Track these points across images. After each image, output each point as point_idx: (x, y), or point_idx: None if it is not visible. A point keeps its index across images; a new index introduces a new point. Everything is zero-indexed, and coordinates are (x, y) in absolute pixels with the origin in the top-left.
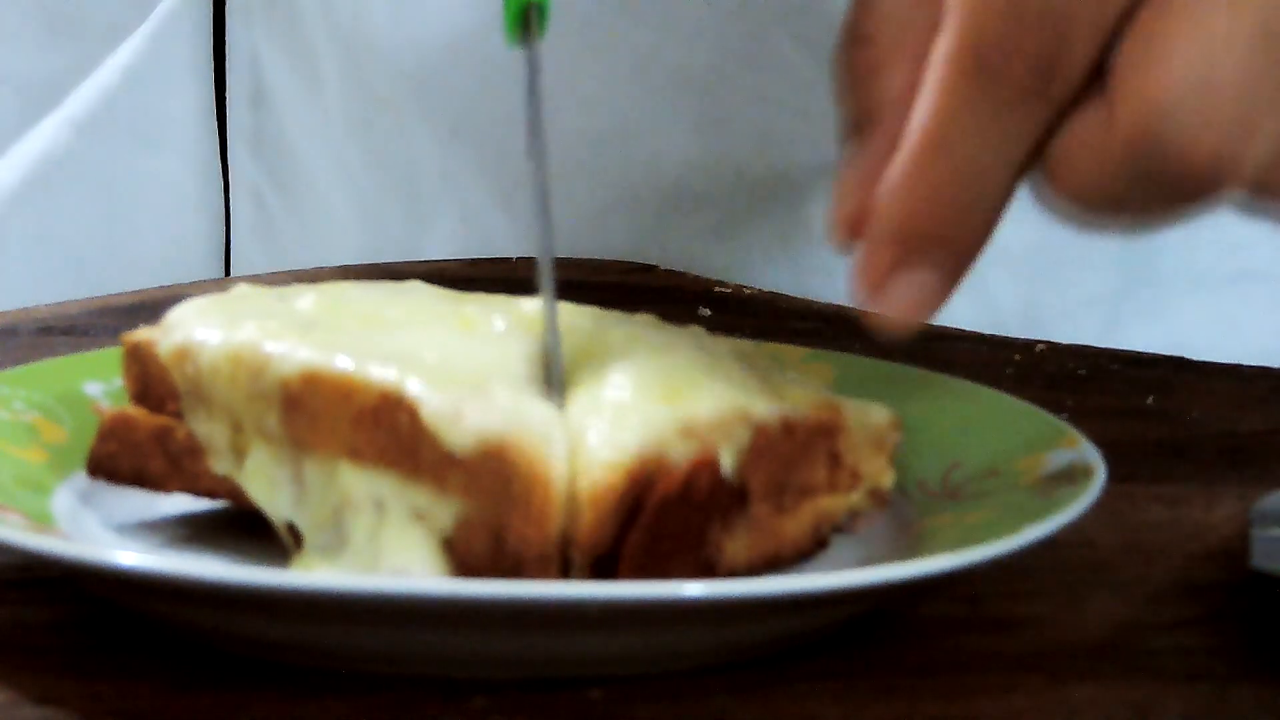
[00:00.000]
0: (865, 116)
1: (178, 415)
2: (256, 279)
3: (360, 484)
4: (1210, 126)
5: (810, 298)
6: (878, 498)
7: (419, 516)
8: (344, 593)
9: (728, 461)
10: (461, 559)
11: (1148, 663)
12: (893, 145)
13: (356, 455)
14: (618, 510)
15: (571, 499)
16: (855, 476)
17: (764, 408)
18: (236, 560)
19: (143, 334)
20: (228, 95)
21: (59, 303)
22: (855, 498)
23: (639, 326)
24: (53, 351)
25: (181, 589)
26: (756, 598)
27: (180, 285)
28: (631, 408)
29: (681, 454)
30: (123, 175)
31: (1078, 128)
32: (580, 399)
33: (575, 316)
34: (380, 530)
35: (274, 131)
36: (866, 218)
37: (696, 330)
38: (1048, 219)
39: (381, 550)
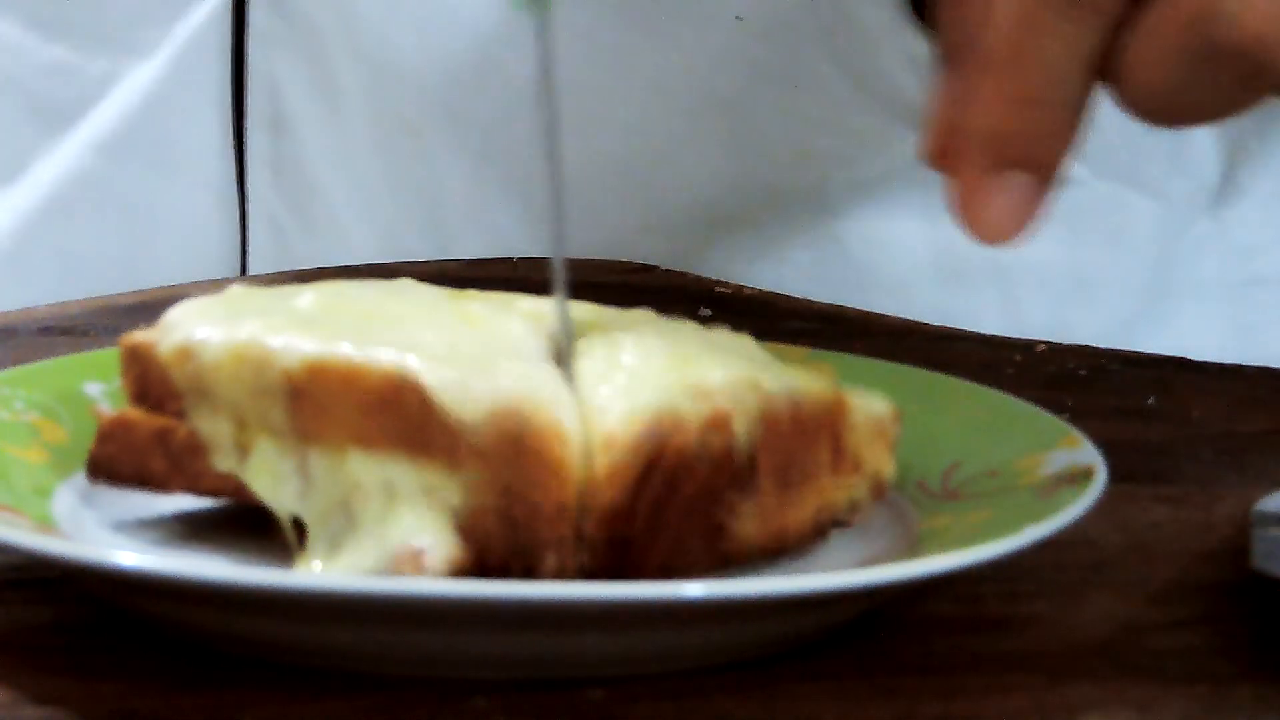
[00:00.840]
0: (952, 49)
1: (178, 415)
2: (252, 279)
3: (369, 469)
4: (1258, 12)
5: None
6: (877, 488)
7: (429, 494)
8: (344, 593)
9: (740, 424)
10: (473, 535)
11: (1148, 663)
12: (976, 72)
13: (364, 441)
14: (632, 465)
15: (584, 457)
16: (857, 464)
17: (773, 381)
18: (237, 560)
19: (141, 335)
20: (247, 120)
21: (59, 303)
22: (856, 486)
23: (638, 317)
24: (53, 351)
25: (181, 589)
26: (756, 598)
27: (180, 285)
28: (642, 371)
29: (694, 413)
30: (141, 200)
31: (1142, 23)
32: (589, 368)
33: (574, 310)
34: (390, 512)
35: (293, 157)
36: (955, 143)
37: (693, 324)
38: (1075, 237)
39: (391, 531)
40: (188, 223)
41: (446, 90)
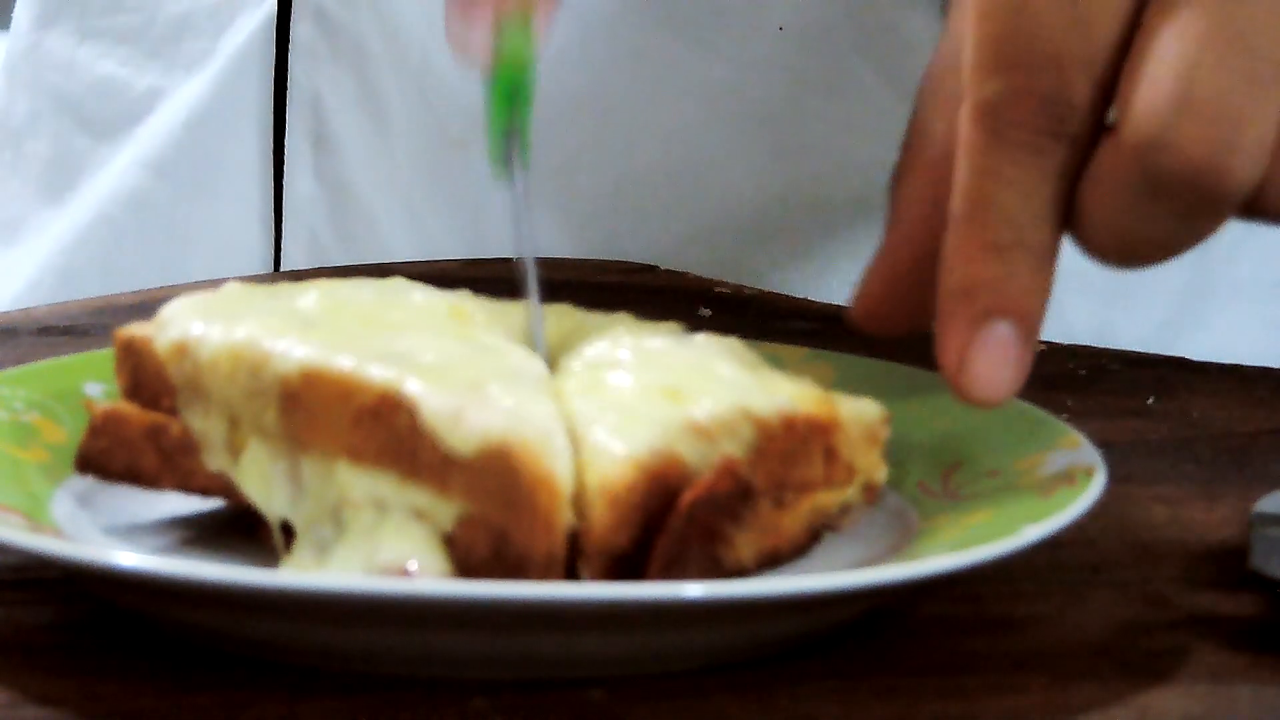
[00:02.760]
0: (890, 218)
1: (172, 411)
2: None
3: (359, 482)
4: (1199, 140)
5: None
6: (870, 492)
7: (419, 515)
8: (344, 593)
9: (741, 462)
10: (462, 557)
11: (1148, 663)
12: (911, 238)
13: (355, 454)
14: (634, 508)
15: (579, 496)
16: (850, 471)
17: (764, 404)
18: (235, 560)
19: (136, 329)
20: (287, 139)
21: (59, 303)
22: (850, 492)
23: (621, 325)
24: (53, 351)
25: (181, 589)
26: (756, 598)
27: (180, 285)
28: (635, 407)
29: (693, 452)
30: (183, 215)
31: (1092, 165)
32: (579, 400)
33: (557, 315)
34: (379, 527)
35: (335, 171)
36: (882, 306)
37: (673, 326)
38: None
39: (379, 545)
40: (227, 238)
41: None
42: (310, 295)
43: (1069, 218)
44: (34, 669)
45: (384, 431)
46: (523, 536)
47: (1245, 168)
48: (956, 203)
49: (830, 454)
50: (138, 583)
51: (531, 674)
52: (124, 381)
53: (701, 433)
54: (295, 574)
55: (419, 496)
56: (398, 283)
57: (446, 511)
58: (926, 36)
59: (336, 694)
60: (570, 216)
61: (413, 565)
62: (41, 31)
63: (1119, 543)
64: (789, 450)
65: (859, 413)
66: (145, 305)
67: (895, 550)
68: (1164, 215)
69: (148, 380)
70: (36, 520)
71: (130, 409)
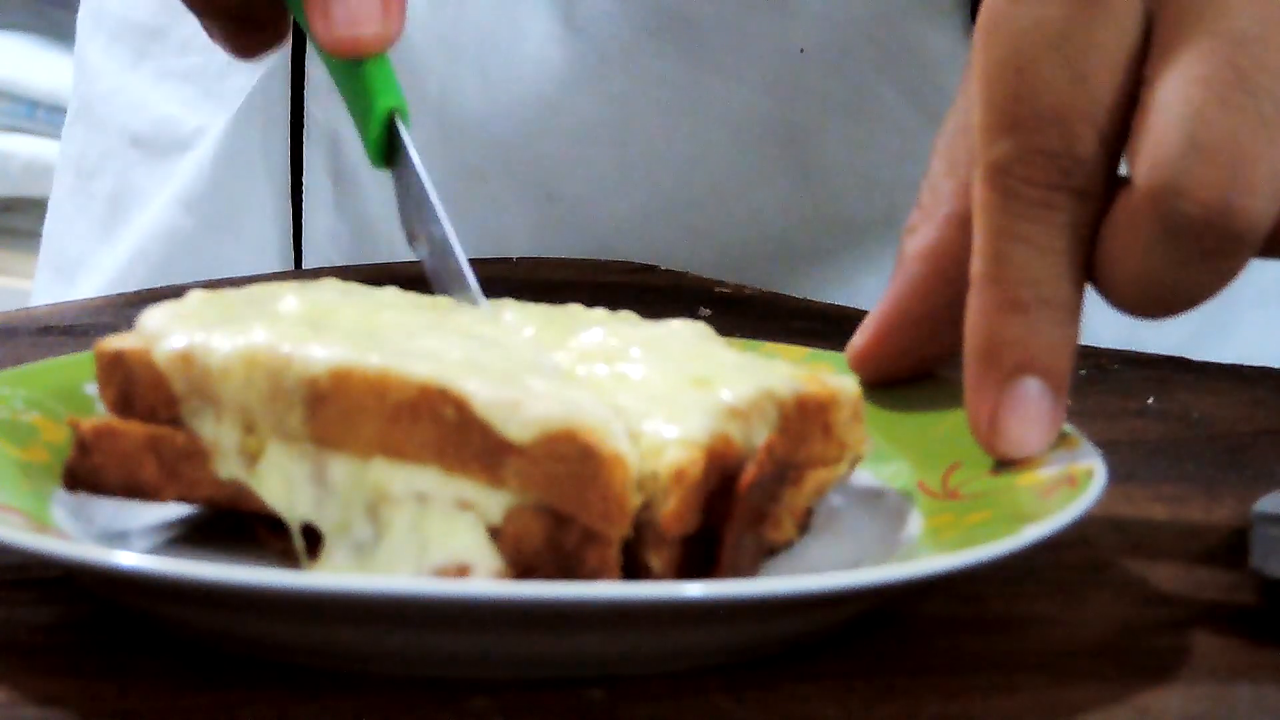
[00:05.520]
0: (897, 269)
1: (172, 423)
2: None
3: (398, 479)
4: (1211, 183)
5: None
6: (854, 463)
7: (465, 507)
8: (344, 593)
9: (777, 441)
10: (512, 549)
11: (1148, 663)
12: (914, 291)
13: (393, 451)
14: (701, 492)
15: (645, 485)
16: (841, 446)
17: (782, 385)
18: (236, 561)
19: (119, 342)
20: (306, 176)
21: (59, 303)
22: (843, 468)
23: (592, 317)
24: (53, 351)
25: (181, 589)
26: (756, 598)
27: (177, 285)
28: (674, 397)
29: (738, 434)
30: (210, 254)
31: (1109, 217)
32: (620, 395)
33: (520, 312)
34: (423, 522)
35: (355, 210)
36: (879, 353)
37: (629, 314)
38: None
39: (428, 542)
40: (250, 273)
41: (513, 135)
42: (289, 299)
43: (1093, 273)
44: (34, 669)
45: (425, 425)
46: (593, 518)
47: (1260, 207)
48: (976, 264)
49: (826, 430)
50: (138, 583)
51: (531, 674)
52: (112, 394)
53: (739, 416)
54: (295, 574)
55: (465, 488)
56: (364, 288)
57: (496, 502)
58: (948, 56)
59: (335, 694)
60: (593, 245)
61: (469, 559)
62: (128, 73)
63: (1119, 543)
64: (801, 429)
65: (846, 390)
66: (145, 305)
67: (895, 550)
68: (1184, 261)
69: (143, 392)
70: (37, 520)
71: (122, 423)
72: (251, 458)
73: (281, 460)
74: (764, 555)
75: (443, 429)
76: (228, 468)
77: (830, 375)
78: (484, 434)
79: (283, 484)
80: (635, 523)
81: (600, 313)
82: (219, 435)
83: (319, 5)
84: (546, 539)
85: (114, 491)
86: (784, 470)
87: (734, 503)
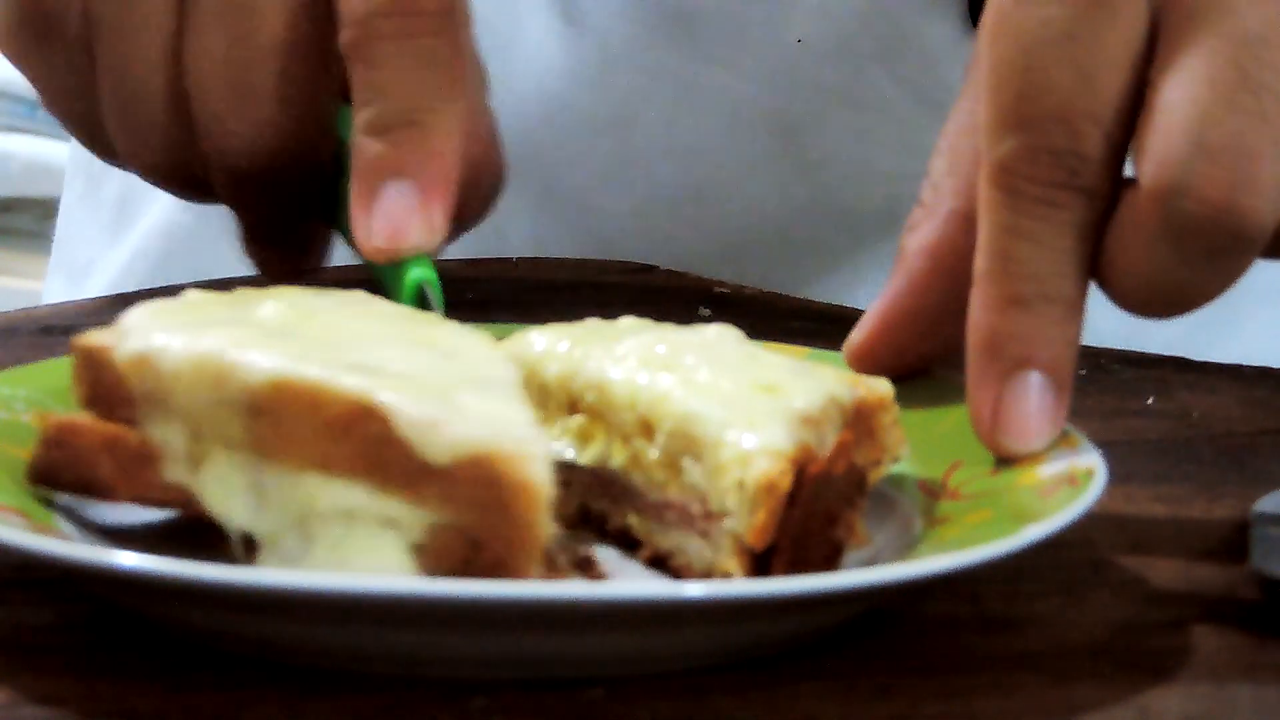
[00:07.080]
0: (896, 266)
1: (129, 422)
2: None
3: (327, 493)
4: (1216, 182)
5: None
6: (892, 464)
7: (389, 524)
8: (345, 593)
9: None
10: (432, 566)
11: (1148, 663)
12: (913, 288)
13: (324, 465)
14: (780, 506)
15: (730, 495)
16: (882, 449)
17: (842, 391)
18: (235, 561)
19: (96, 338)
20: None
21: (59, 303)
22: (884, 470)
23: (660, 330)
24: (53, 351)
25: (181, 589)
26: (756, 598)
27: (174, 285)
28: (748, 404)
29: (814, 441)
30: (209, 252)
31: (1115, 215)
32: (695, 402)
33: (601, 326)
34: (347, 538)
35: None
36: (876, 348)
37: (646, 322)
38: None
39: (348, 557)
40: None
41: (512, 132)
42: (272, 305)
43: (1098, 272)
44: (34, 669)
45: (355, 442)
46: (500, 544)
47: (1265, 206)
48: (980, 261)
49: (871, 434)
50: (138, 583)
51: (531, 674)
52: (83, 390)
53: (812, 423)
54: (296, 574)
55: (390, 506)
56: (361, 296)
57: (418, 520)
58: (946, 47)
59: (336, 694)
60: (593, 237)
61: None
62: None
63: (1119, 543)
64: (859, 433)
65: (887, 394)
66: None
67: (895, 550)
68: (1190, 260)
69: (107, 390)
70: (37, 520)
71: (85, 420)
72: (196, 463)
73: (223, 468)
74: (838, 558)
75: (369, 445)
76: (174, 471)
77: (869, 379)
78: (406, 452)
79: (222, 492)
80: (714, 532)
81: (630, 320)
82: (167, 438)
83: (361, 216)
84: (463, 560)
85: (70, 488)
86: (859, 473)
87: (794, 502)
